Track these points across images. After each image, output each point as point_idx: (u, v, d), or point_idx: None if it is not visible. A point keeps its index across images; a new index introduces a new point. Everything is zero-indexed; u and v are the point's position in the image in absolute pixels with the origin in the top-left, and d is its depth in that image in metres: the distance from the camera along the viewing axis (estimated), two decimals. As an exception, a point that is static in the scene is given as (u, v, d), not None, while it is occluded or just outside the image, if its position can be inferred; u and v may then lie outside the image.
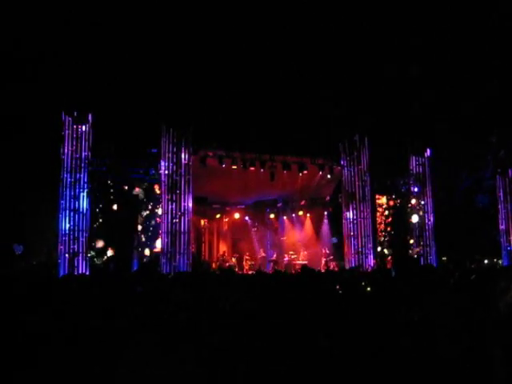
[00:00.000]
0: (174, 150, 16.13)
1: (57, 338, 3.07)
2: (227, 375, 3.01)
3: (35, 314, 3.48)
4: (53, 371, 2.73)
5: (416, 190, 19.69)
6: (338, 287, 5.58)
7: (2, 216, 15.82)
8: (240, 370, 3.02)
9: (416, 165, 19.65)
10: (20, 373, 2.76)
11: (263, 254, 21.15)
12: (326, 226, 21.57)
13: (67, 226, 15.13)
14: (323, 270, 15.50)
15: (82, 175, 15.36)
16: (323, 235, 21.61)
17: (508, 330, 2.13)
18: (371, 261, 18.11)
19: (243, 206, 22.13)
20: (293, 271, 17.91)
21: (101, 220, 15.74)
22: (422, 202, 19.59)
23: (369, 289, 5.50)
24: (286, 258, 20.79)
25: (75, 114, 15.45)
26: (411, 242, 19.34)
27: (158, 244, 16.06)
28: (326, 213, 21.62)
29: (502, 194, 19.68)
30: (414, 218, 19.31)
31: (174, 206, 15.99)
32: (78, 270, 14.76)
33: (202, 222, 20.83)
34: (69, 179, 15.26)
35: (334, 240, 19.57)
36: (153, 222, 16.37)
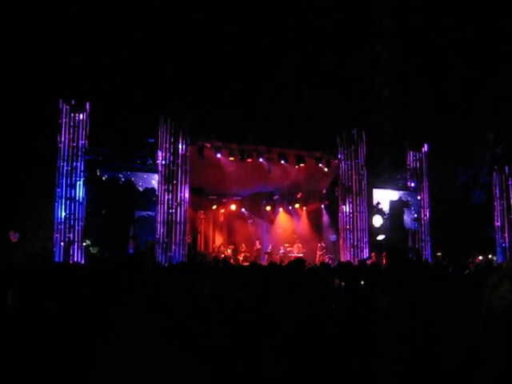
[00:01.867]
0: (172, 140, 16.10)
1: (52, 327, 3.06)
2: (224, 366, 3.02)
3: (31, 302, 3.47)
4: (49, 362, 2.73)
5: (413, 185, 19.73)
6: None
7: (-1, 203, 15.80)
8: (237, 361, 3.02)
9: (413, 160, 19.68)
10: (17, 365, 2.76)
11: (259, 246, 21.14)
12: (325, 219, 21.54)
13: (63, 214, 15.12)
14: (318, 263, 15.50)
15: (78, 164, 15.33)
16: (321, 228, 21.61)
17: (503, 323, 2.14)
18: (366, 255, 18.16)
19: (240, 198, 22.10)
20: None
21: (97, 209, 15.71)
22: (419, 198, 19.63)
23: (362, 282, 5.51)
24: (282, 251, 20.80)
25: (73, 102, 15.39)
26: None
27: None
28: (323, 206, 21.62)
29: (498, 190, 19.73)
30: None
31: (170, 197, 15.98)
32: (73, 259, 14.76)
33: (198, 212, 20.80)
34: (65, 167, 15.23)
35: (334, 238, 19.53)
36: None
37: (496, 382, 2.11)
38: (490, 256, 19.55)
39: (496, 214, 19.77)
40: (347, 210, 18.48)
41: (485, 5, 17.70)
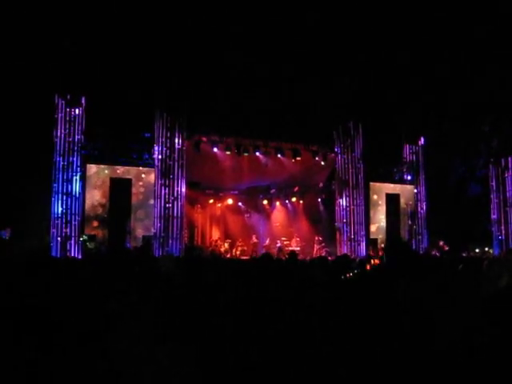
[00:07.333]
0: (168, 134, 16.07)
1: (50, 323, 3.05)
2: (223, 360, 3.02)
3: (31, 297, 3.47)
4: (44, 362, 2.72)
5: (409, 178, 19.75)
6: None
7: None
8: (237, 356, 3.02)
9: (409, 153, 19.70)
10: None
11: (256, 240, 21.15)
12: (322, 213, 21.55)
13: (60, 209, 15.10)
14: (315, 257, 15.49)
15: (74, 159, 15.30)
16: (318, 222, 21.61)
17: (500, 312, 2.14)
18: (363, 248, 18.20)
19: (236, 192, 22.11)
20: (283, 257, 17.90)
21: (93, 204, 15.69)
22: (415, 191, 19.64)
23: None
24: (279, 244, 20.80)
25: (68, 96, 15.34)
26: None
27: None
28: (319, 199, 21.63)
29: (494, 183, 19.74)
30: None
31: (167, 191, 15.96)
32: (70, 254, 14.76)
33: (195, 207, 20.80)
34: (61, 162, 15.20)
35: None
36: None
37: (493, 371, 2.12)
38: (486, 249, 19.60)
39: (492, 206, 19.79)
40: (344, 204, 18.48)
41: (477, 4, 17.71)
